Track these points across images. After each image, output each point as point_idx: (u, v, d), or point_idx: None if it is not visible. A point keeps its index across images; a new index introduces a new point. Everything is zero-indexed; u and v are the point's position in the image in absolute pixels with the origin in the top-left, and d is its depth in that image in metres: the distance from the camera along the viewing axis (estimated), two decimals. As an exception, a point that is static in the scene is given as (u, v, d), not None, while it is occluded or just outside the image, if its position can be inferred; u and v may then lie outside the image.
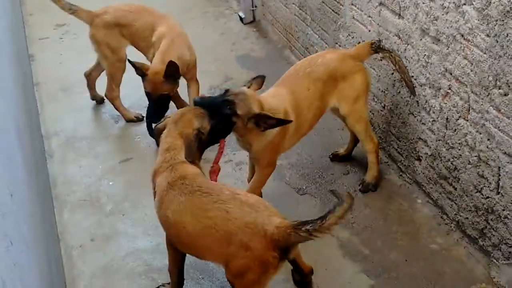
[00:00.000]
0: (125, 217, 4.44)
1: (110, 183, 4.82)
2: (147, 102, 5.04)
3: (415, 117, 4.20)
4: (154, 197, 3.47)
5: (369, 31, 4.61)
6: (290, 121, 3.87)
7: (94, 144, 5.34)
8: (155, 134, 3.71)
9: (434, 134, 4.00)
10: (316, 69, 4.10)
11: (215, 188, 3.23)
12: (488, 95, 3.39)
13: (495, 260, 3.61)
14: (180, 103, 5.34)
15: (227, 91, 3.79)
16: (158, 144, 3.66)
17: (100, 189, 4.75)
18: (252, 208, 3.08)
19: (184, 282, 3.79)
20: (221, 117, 3.68)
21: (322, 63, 4.13)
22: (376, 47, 4.22)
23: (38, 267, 2.82)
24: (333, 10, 5.24)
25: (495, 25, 3.20)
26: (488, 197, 3.57)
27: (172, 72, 4.83)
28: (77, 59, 6.87)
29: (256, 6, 7.36)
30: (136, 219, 4.41)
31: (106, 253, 4.12)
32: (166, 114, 4.82)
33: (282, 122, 3.78)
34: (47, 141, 5.42)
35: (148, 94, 4.97)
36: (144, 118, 5.35)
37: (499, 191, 3.46)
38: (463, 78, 3.58)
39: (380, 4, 4.37)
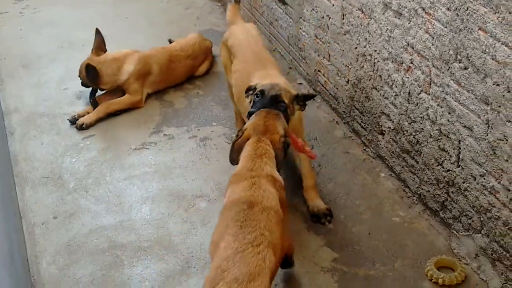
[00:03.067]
0: (88, 194, 4.39)
1: (73, 160, 4.75)
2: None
3: (378, 91, 4.22)
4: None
5: (333, 5, 4.60)
6: (315, 95, 4.39)
7: (56, 121, 5.25)
8: (233, 148, 3.43)
9: (397, 108, 4.03)
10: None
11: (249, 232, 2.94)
12: (448, 69, 3.41)
13: (455, 232, 3.67)
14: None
15: (262, 91, 3.71)
16: (233, 161, 3.42)
17: (62, 166, 4.68)
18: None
19: (148, 258, 3.79)
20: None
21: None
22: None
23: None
24: (297, -16, 5.21)
25: (455, -1, 3.22)
26: (448, 170, 3.61)
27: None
28: (38, 34, 6.76)
29: (220, -20, 7.29)
30: (99, 196, 4.37)
31: (69, 230, 4.08)
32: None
33: (312, 96, 4.00)
34: (8, 117, 5.32)
35: None
36: None
37: (459, 164, 3.50)
38: (424, 52, 3.60)
39: (344, -22, 4.36)
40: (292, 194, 4.22)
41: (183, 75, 5.67)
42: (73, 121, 5.16)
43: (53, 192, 4.42)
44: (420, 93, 3.74)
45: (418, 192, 3.99)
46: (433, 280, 3.49)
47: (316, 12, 4.91)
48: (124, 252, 3.88)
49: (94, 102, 5.31)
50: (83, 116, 5.19)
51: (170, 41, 6.13)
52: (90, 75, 5.25)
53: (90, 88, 5.38)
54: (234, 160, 3.41)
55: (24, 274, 3.61)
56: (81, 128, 5.07)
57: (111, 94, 5.42)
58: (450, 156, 3.56)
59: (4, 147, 4.77)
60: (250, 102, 3.78)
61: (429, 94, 3.65)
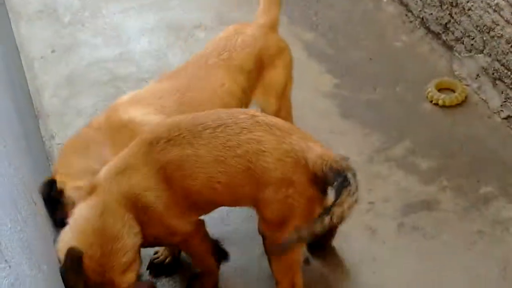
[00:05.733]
0: (84, 27, 4.32)
1: (66, -7, 4.63)
2: None
3: None
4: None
5: None
6: None
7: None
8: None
9: None
10: (238, 53, 2.79)
11: (225, 116, 2.35)
12: None
13: (457, 54, 3.64)
14: None
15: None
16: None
17: (56, 0, 4.56)
18: (285, 131, 2.30)
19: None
20: None
21: (243, 43, 2.83)
22: None
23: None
24: None
25: None
26: (453, -10, 3.51)
27: None
28: None
29: None
30: (96, 29, 4.30)
31: (69, 64, 4.06)
32: None
33: None
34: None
35: None
36: None
37: (464, -18, 3.40)
38: None
39: None
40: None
41: None
42: None
43: (48, 26, 4.34)
44: None
45: (421, 16, 3.91)
46: (433, 102, 3.52)
47: None
48: (126, 84, 3.88)
49: None
50: None
51: None
52: None
53: None
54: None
55: (27, 107, 3.63)
56: None
57: None
58: (455, -26, 3.45)
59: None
60: None
61: None
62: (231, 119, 2.31)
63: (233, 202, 2.48)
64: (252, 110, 2.50)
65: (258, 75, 2.85)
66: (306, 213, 2.29)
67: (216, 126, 2.29)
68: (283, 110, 2.99)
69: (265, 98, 2.92)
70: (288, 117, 3.00)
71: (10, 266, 1.44)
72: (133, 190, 2.26)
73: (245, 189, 2.31)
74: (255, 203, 2.35)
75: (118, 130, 2.57)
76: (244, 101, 2.81)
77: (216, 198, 2.38)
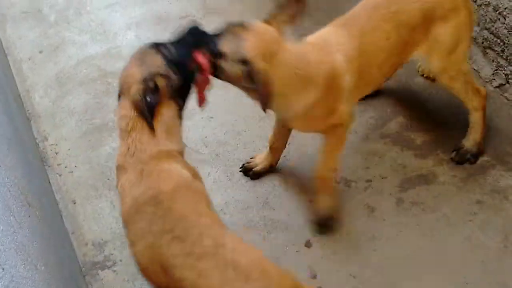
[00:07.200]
0: (70, 25, 4.29)
1: (50, -8, 4.60)
2: None
3: None
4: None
5: None
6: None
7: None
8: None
9: None
10: (407, 7, 2.71)
11: (193, 232, 2.01)
12: None
13: (446, 26, 3.61)
14: None
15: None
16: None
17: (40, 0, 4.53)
18: (240, 274, 1.91)
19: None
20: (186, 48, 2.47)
21: None
22: None
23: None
24: None
25: None
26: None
27: None
28: None
29: None
30: (82, 26, 4.27)
31: (57, 63, 4.03)
32: None
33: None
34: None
35: None
36: None
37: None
38: None
39: None
40: None
41: None
42: None
43: (35, 27, 4.31)
44: None
45: (407, -10, 3.88)
46: (425, 75, 3.49)
47: None
48: (116, 79, 3.74)
49: None
50: None
51: None
52: None
53: None
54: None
55: (18, 109, 3.61)
56: None
57: None
58: None
59: (-23, -14, 4.58)
60: None
61: None
62: (193, 239, 1.99)
63: None
64: (233, 236, 2.07)
65: (425, 31, 2.76)
66: None
67: (177, 236, 2.01)
68: (450, 71, 2.91)
69: (428, 56, 2.84)
70: (455, 82, 2.95)
71: (3, 269, 1.43)
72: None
73: None
74: None
75: (312, 66, 2.52)
76: (403, 56, 2.81)
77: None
